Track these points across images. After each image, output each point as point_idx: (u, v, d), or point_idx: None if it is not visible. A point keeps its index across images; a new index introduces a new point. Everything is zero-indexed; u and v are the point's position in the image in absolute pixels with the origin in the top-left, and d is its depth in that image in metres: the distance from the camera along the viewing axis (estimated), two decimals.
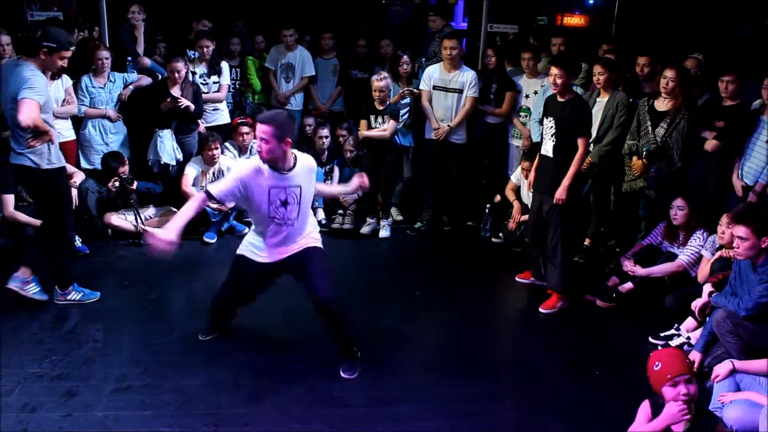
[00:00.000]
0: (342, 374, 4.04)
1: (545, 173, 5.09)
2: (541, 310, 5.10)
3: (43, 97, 4.30)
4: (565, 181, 4.88)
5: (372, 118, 6.53)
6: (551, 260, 5.10)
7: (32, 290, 4.70)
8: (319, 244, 4.17)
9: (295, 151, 3.98)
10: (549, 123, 5.00)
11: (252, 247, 4.14)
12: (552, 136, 4.98)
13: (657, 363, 3.03)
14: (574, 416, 3.79)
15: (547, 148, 5.04)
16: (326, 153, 6.92)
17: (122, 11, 6.88)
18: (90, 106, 6.18)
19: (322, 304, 3.93)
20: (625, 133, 5.69)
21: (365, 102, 6.47)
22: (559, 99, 4.96)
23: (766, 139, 5.00)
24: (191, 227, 6.19)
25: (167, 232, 3.73)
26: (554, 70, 4.87)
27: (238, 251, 4.21)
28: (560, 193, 4.90)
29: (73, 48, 4.45)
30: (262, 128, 3.73)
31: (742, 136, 5.21)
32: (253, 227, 4.21)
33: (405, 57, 6.83)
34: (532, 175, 5.35)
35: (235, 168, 4.05)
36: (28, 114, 4.16)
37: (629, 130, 5.66)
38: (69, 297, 4.82)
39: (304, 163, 3.99)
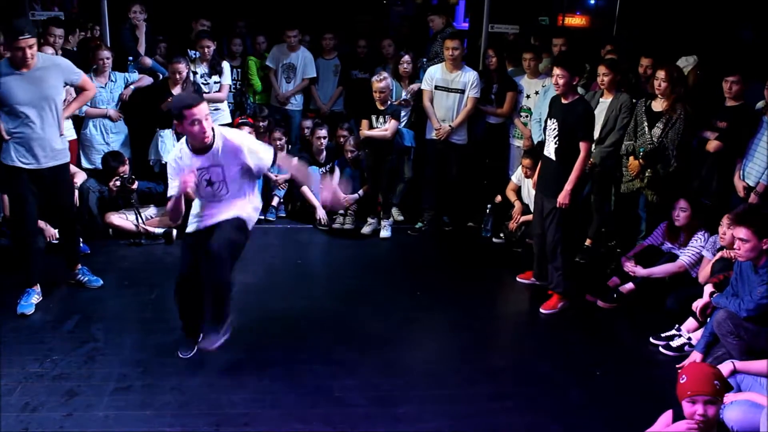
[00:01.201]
0: (201, 344, 4.04)
1: (547, 175, 5.08)
2: (541, 310, 5.09)
3: None
4: (568, 186, 4.86)
5: (373, 118, 6.53)
6: (552, 263, 5.10)
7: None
8: (243, 215, 4.03)
9: (223, 129, 4.02)
10: (552, 125, 4.98)
11: (191, 220, 4.18)
12: (555, 138, 4.95)
13: (683, 376, 2.91)
14: (575, 417, 3.79)
15: (550, 151, 5.02)
16: (324, 153, 6.92)
17: (123, 11, 6.88)
18: (91, 106, 6.17)
19: (208, 256, 3.81)
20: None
21: (366, 102, 6.47)
22: (563, 101, 4.92)
23: None
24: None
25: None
26: (556, 71, 4.84)
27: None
28: (563, 198, 4.88)
29: (29, 36, 4.27)
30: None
31: (745, 137, 5.21)
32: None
33: (407, 57, 6.84)
34: (535, 175, 5.35)
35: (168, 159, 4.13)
36: None
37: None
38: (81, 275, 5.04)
39: (227, 143, 3.93)
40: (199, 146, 3.89)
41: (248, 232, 4.10)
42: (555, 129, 4.94)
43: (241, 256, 4.07)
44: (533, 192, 6.14)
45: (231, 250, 3.89)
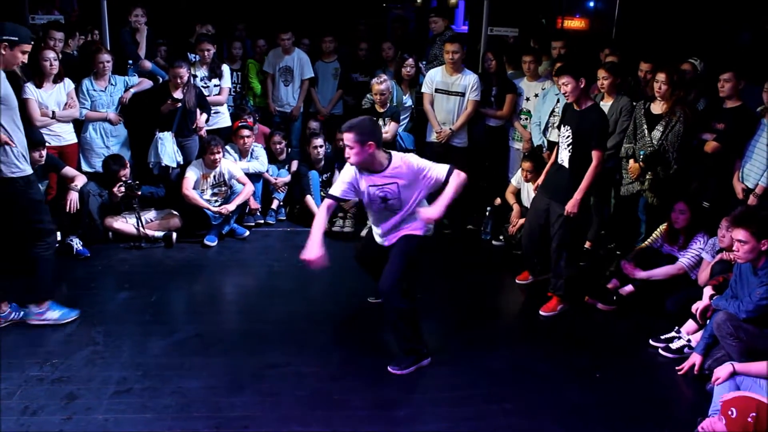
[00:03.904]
0: (388, 367, 4.13)
1: (558, 181, 5.03)
2: (541, 312, 5.09)
3: None
4: (577, 195, 4.82)
5: None
6: (554, 268, 5.09)
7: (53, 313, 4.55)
8: (417, 232, 4.25)
9: (392, 152, 4.14)
10: (566, 132, 4.94)
11: (374, 232, 4.47)
12: (568, 146, 4.91)
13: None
14: (574, 419, 3.78)
15: (563, 158, 4.98)
16: (322, 162, 6.93)
17: (123, 14, 6.90)
18: (91, 110, 6.19)
19: (381, 295, 4.18)
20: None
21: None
22: (576, 108, 4.89)
23: (767, 142, 5.00)
24: (192, 230, 6.27)
25: (311, 249, 3.97)
26: (560, 80, 4.84)
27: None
28: (571, 207, 4.84)
29: (31, 42, 4.29)
30: (345, 136, 3.94)
31: (742, 139, 5.21)
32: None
33: (410, 60, 6.84)
34: (542, 177, 5.33)
35: (343, 173, 4.23)
36: None
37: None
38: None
39: (402, 162, 4.10)
40: (373, 168, 4.07)
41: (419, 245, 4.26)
42: (569, 136, 4.91)
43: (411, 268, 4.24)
44: (533, 195, 6.15)
45: (395, 276, 4.06)
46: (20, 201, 4.29)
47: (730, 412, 2.84)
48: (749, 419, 2.77)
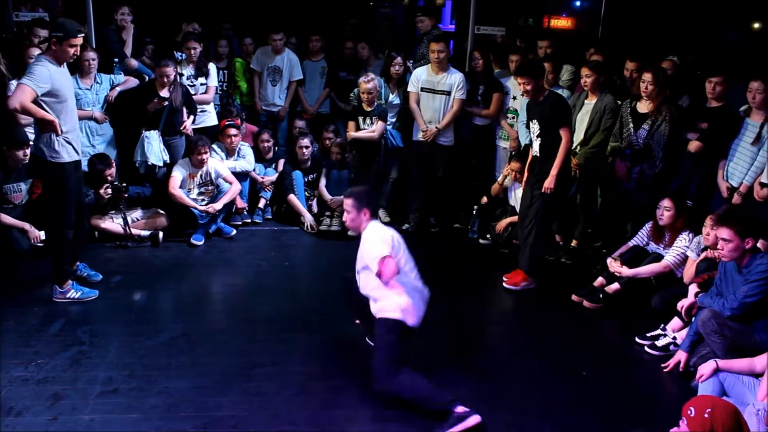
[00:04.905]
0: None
1: (534, 169, 5.33)
2: (504, 282, 5.43)
3: (42, 86, 4.33)
4: (553, 170, 5.11)
5: (360, 119, 6.54)
6: (524, 242, 5.33)
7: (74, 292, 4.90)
8: (388, 315, 3.89)
9: (375, 223, 4.04)
10: (534, 126, 5.25)
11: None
12: (537, 136, 5.22)
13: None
14: (561, 416, 3.80)
15: (536, 149, 5.29)
16: (308, 162, 6.92)
17: (108, 12, 6.85)
18: (77, 108, 6.13)
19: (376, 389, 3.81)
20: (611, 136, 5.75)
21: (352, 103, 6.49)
22: (535, 102, 5.19)
23: (751, 141, 5.04)
24: (178, 230, 6.24)
25: None
26: (520, 80, 5.17)
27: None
28: (548, 182, 5.13)
29: (82, 34, 4.51)
30: (345, 201, 4.06)
31: (725, 138, 5.26)
32: None
33: (398, 58, 6.84)
34: (525, 174, 5.49)
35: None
36: (16, 97, 4.28)
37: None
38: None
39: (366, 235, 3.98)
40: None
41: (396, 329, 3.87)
42: (537, 128, 5.21)
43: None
44: (520, 195, 6.18)
45: (380, 366, 3.78)
46: (56, 185, 4.67)
47: (689, 412, 2.95)
48: (705, 415, 2.88)
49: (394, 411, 3.75)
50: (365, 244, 3.93)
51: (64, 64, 4.56)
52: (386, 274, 3.65)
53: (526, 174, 5.47)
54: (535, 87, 5.11)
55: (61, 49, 4.43)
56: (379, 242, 3.84)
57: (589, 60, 6.22)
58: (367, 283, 4.01)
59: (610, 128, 5.73)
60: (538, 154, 5.27)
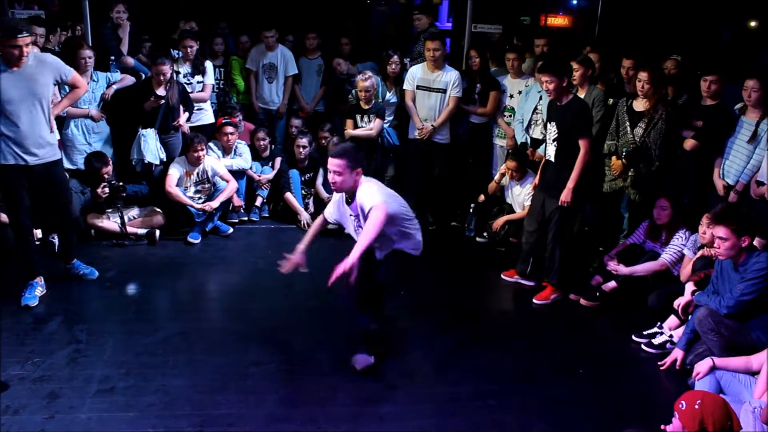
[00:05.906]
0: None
1: (548, 177, 5.18)
2: (534, 300, 5.22)
3: None
4: (570, 184, 4.94)
5: (358, 117, 6.53)
6: (549, 259, 5.20)
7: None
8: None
9: (369, 181, 4.11)
10: (552, 128, 5.07)
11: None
12: (554, 141, 5.04)
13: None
14: (558, 414, 3.81)
15: (550, 153, 5.12)
16: (306, 161, 6.91)
17: (105, 10, 6.83)
18: (73, 106, 6.12)
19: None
20: (602, 129, 5.75)
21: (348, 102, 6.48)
22: (558, 103, 5.00)
23: (746, 139, 5.05)
24: (175, 228, 6.23)
25: (294, 253, 4.42)
26: (543, 78, 4.93)
27: None
28: (565, 196, 4.97)
29: (26, 35, 4.40)
30: (334, 161, 3.96)
31: (721, 136, 5.26)
32: None
33: (395, 57, 6.84)
34: (537, 177, 5.45)
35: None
36: None
37: (607, 127, 5.72)
38: (72, 272, 5.15)
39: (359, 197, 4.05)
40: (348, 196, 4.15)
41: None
42: (554, 132, 5.03)
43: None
44: (516, 193, 6.19)
45: (365, 300, 4.21)
46: (59, 181, 4.86)
47: (680, 405, 3.02)
48: (696, 406, 2.96)
49: (392, 409, 3.76)
50: (365, 200, 3.97)
51: (24, 66, 4.45)
52: (378, 220, 3.84)
53: (537, 178, 5.41)
54: (558, 86, 4.87)
55: (3, 50, 4.36)
56: (378, 194, 4.00)
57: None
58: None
59: (600, 119, 5.73)
60: (552, 159, 5.10)
